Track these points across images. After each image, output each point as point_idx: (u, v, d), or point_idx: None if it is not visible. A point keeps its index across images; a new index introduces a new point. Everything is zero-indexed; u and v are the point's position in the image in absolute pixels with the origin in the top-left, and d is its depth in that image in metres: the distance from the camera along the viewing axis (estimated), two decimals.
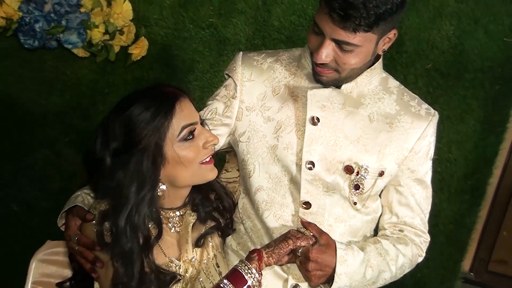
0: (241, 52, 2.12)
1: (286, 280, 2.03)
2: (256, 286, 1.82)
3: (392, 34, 1.91)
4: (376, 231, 2.16)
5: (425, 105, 2.07)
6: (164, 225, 1.85)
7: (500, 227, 4.17)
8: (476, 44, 3.14)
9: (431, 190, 2.12)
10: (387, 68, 2.11)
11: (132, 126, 1.75)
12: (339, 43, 1.82)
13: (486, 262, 4.20)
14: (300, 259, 1.92)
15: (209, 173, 1.88)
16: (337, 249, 1.92)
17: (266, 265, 1.87)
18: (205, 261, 1.93)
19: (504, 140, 3.26)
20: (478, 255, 4.15)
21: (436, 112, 2.08)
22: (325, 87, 1.99)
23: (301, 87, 2.04)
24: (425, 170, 2.09)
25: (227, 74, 2.12)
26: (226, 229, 2.07)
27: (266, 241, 2.01)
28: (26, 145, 3.04)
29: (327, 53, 1.84)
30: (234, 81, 2.07)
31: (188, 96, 1.85)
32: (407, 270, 2.09)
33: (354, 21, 1.74)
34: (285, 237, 1.91)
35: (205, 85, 3.07)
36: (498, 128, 3.21)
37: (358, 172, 1.98)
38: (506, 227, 4.20)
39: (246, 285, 1.80)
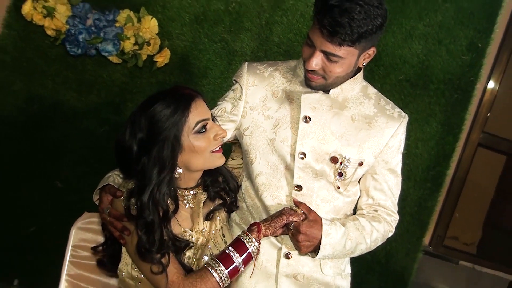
0: (246, 62, 2.11)
1: (280, 249, 2.02)
2: (255, 252, 1.82)
3: (372, 51, 1.91)
4: (355, 211, 2.15)
5: (398, 109, 2.07)
6: (180, 202, 1.84)
7: (454, 210, 4.19)
8: (439, 60, 3.15)
9: (401, 178, 2.12)
10: (367, 78, 2.11)
11: (155, 120, 1.74)
12: (327, 54, 1.83)
13: (442, 238, 4.21)
14: (292, 232, 1.92)
15: (218, 160, 1.87)
16: (323, 224, 1.92)
17: (264, 236, 1.86)
18: (213, 232, 1.92)
19: (460, 140, 3.27)
20: (436, 232, 4.16)
21: (406, 115, 2.08)
22: (316, 92, 1.98)
23: (296, 92, 2.02)
24: (397, 162, 2.08)
25: (234, 80, 2.10)
26: (231, 206, 2.05)
27: (264, 216, 1.99)
28: (68, 134, 3.03)
29: (316, 62, 1.85)
30: (241, 86, 2.05)
31: (202, 96, 1.85)
32: (379, 243, 2.09)
33: (340, 36, 1.76)
34: (280, 213, 1.90)
35: (216, 88, 3.07)
36: (455, 130, 3.21)
37: (341, 162, 1.98)
38: (458, 210, 4.23)
39: (247, 252, 1.80)
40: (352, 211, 2.13)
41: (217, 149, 1.85)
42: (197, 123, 1.78)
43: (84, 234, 2.09)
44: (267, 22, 3.06)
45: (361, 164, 2.00)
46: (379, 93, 2.09)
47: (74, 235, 2.08)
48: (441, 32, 3.12)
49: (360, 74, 2.03)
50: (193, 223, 1.88)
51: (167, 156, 1.75)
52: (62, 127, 3.03)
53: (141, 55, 2.92)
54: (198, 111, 1.79)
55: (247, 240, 1.81)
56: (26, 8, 2.78)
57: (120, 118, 3.01)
